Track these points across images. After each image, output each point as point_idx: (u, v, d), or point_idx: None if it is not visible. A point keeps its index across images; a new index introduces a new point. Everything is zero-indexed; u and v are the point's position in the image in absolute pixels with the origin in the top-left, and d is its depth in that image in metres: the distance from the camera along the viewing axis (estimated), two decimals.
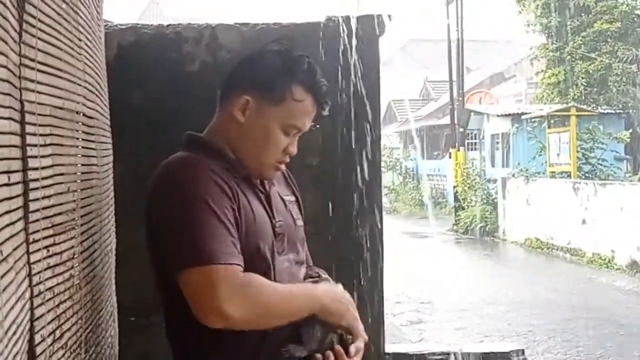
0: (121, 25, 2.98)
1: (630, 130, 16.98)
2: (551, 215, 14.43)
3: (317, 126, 1.85)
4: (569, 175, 14.88)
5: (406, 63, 40.88)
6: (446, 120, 24.04)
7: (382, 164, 27.09)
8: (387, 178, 27.41)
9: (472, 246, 15.88)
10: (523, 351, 5.22)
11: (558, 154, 15.56)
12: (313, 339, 1.73)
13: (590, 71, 19.11)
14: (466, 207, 18.57)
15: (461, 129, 21.23)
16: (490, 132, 21.02)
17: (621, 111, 18.49)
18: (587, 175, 14.89)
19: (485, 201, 18.01)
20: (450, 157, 21.83)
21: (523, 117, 18.08)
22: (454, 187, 20.13)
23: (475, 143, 23.01)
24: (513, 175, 16.60)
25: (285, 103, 1.77)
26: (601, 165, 15.28)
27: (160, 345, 3.31)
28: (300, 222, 1.92)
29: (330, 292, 1.80)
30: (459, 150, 20.83)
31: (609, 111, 18.14)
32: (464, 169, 19.88)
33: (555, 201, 14.32)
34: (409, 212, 23.45)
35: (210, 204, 1.60)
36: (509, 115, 19.47)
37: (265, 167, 1.79)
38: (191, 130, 3.35)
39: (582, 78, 19.18)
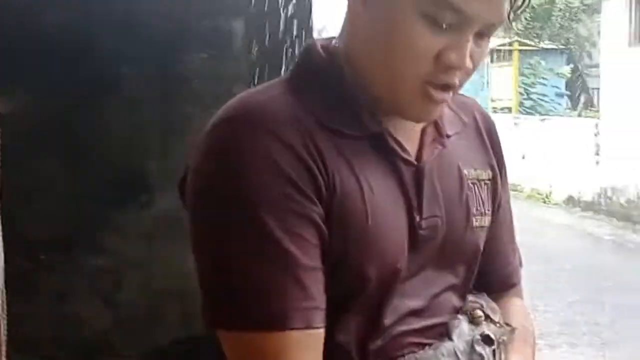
0: None
1: (571, 66, 17.05)
2: None
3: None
4: (511, 111, 14.92)
5: None
6: None
7: None
8: None
9: None
10: None
11: (501, 89, 15.57)
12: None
13: (535, 5, 19.01)
14: None
15: None
16: None
17: (563, 47, 18.55)
18: (528, 110, 14.96)
19: None
20: None
21: None
22: None
23: None
24: None
25: None
26: (542, 100, 15.38)
27: (79, 285, 3.13)
28: (480, 221, 1.09)
29: None
30: None
31: (552, 46, 18.17)
32: None
33: None
34: None
35: (265, 216, 0.91)
36: None
37: (403, 95, 0.97)
38: (108, 53, 3.06)
39: (526, 12, 19.07)
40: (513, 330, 1.08)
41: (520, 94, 15.15)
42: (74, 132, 3.04)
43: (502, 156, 1.15)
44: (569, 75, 16.49)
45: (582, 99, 15.96)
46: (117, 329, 3.13)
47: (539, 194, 12.70)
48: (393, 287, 0.98)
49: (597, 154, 11.23)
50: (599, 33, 12.34)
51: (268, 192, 0.91)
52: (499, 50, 16.12)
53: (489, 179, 1.11)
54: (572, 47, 18.69)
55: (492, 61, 16.04)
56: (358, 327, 0.97)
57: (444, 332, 1.02)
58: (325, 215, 0.93)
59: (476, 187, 1.09)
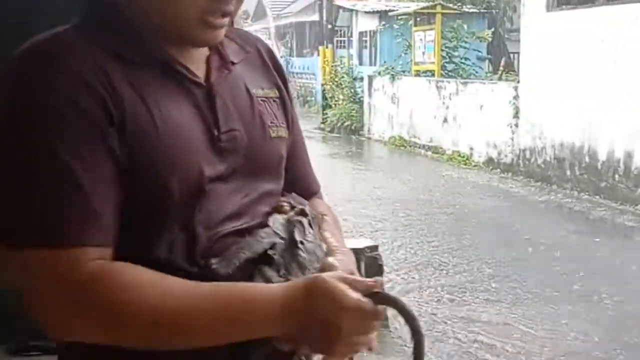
0: None
1: (492, 30, 17.26)
2: (415, 114, 14.61)
3: None
4: (433, 74, 15.03)
5: None
6: (316, 17, 23.65)
7: None
8: None
9: (337, 144, 15.94)
10: (377, 247, 5.22)
11: (423, 53, 15.64)
12: None
13: None
14: (334, 106, 18.54)
15: (330, 26, 20.96)
16: (359, 30, 20.88)
17: (485, 11, 18.74)
18: (450, 74, 15.09)
19: (352, 99, 18.03)
20: (319, 55, 21.60)
21: (390, 14, 17.98)
22: (322, 85, 20.01)
23: (344, 41, 22.82)
24: (379, 74, 16.61)
25: None
26: (464, 64, 15.51)
27: None
28: (277, 132, 1.21)
29: (304, 296, 1.00)
30: (327, 47, 20.61)
31: (473, 10, 18.33)
32: (332, 66, 19.74)
33: (419, 99, 14.49)
34: None
35: (53, 139, 0.98)
36: (376, 12, 19.33)
37: (185, 27, 1.09)
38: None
39: None
40: (322, 215, 1.23)
41: (443, 57, 15.25)
42: None
43: (286, 79, 1.30)
44: (490, 39, 16.68)
45: (503, 62, 16.18)
46: None
47: (460, 156, 12.90)
48: (200, 195, 1.07)
49: (517, 116, 11.44)
50: None
51: (58, 118, 0.99)
52: (421, 14, 16.17)
53: (277, 97, 1.26)
54: (493, 11, 18.89)
55: (415, 24, 16.09)
56: (180, 242, 1.05)
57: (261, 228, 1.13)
58: (119, 137, 1.02)
59: (266, 104, 1.22)
